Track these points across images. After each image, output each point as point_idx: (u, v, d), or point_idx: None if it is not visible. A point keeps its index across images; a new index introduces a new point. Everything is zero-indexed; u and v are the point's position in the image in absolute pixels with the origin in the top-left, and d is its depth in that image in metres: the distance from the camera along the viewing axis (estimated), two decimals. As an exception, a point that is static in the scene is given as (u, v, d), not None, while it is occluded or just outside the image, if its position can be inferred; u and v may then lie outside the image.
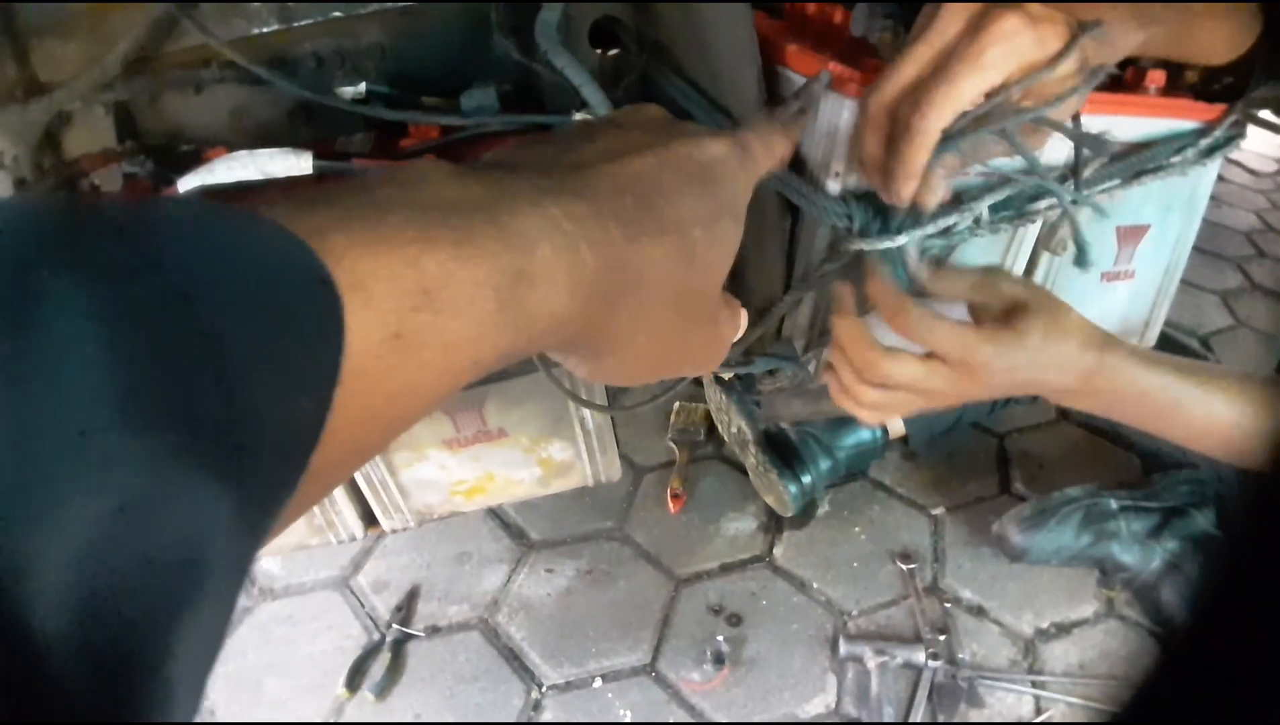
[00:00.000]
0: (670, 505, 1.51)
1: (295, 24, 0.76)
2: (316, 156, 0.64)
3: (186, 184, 0.62)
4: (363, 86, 0.73)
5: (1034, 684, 1.23)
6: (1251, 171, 2.79)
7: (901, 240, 0.64)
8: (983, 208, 0.69)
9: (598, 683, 1.25)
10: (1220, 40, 0.69)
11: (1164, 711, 0.24)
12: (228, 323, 0.19)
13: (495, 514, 1.52)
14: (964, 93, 0.52)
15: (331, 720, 1.21)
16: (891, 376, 0.62)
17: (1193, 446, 0.67)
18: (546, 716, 1.21)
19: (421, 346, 0.24)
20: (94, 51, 0.75)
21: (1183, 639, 0.29)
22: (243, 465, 0.19)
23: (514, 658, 1.29)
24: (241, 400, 0.19)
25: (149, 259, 0.19)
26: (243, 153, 0.62)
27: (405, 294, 0.23)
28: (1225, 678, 0.22)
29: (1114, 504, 1.34)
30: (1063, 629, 1.32)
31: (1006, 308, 0.64)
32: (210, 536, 0.18)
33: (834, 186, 0.67)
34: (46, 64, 0.77)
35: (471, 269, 0.25)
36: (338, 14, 0.76)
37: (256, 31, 0.75)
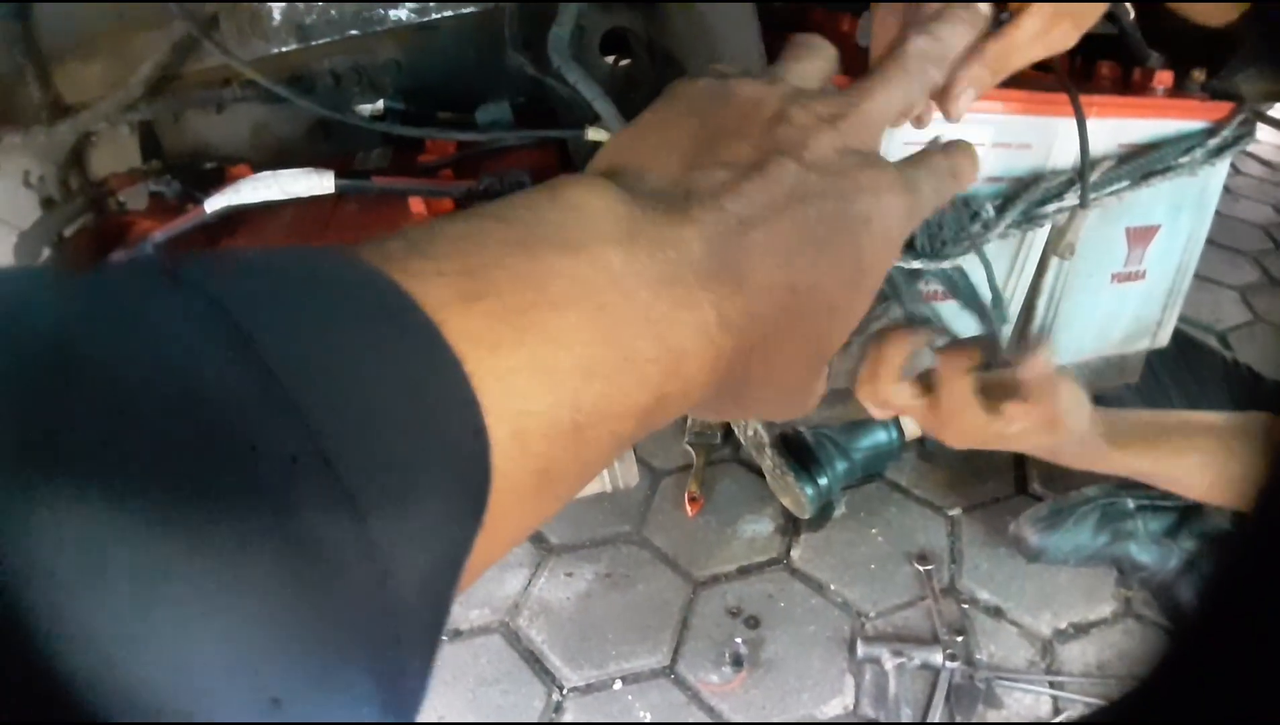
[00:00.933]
0: (688, 508, 1.52)
1: (313, 43, 0.77)
2: (337, 175, 0.65)
3: (213, 204, 0.64)
4: (380, 103, 0.75)
5: (1052, 684, 1.23)
6: (1268, 164, 2.76)
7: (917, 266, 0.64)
8: (1008, 221, 0.69)
9: (618, 685, 1.26)
10: None
11: (1172, 706, 0.25)
12: (378, 500, 0.16)
13: (514, 519, 1.53)
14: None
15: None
16: (889, 401, 0.61)
17: None
18: (567, 718, 1.23)
19: (561, 480, 0.22)
20: (117, 73, 0.77)
21: (1190, 634, 0.29)
22: (398, 669, 0.17)
23: (535, 660, 1.30)
24: (393, 587, 0.17)
25: (286, 405, 0.16)
26: (267, 174, 0.64)
27: (558, 435, 0.21)
28: (1232, 673, 0.23)
29: (1131, 503, 1.34)
30: (1080, 629, 1.32)
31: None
32: None
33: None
34: (71, 86, 0.79)
35: (625, 400, 0.23)
36: (354, 32, 0.78)
37: (275, 51, 0.77)
